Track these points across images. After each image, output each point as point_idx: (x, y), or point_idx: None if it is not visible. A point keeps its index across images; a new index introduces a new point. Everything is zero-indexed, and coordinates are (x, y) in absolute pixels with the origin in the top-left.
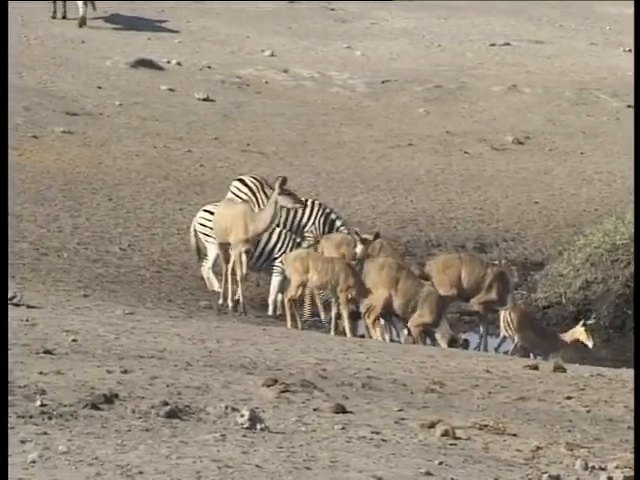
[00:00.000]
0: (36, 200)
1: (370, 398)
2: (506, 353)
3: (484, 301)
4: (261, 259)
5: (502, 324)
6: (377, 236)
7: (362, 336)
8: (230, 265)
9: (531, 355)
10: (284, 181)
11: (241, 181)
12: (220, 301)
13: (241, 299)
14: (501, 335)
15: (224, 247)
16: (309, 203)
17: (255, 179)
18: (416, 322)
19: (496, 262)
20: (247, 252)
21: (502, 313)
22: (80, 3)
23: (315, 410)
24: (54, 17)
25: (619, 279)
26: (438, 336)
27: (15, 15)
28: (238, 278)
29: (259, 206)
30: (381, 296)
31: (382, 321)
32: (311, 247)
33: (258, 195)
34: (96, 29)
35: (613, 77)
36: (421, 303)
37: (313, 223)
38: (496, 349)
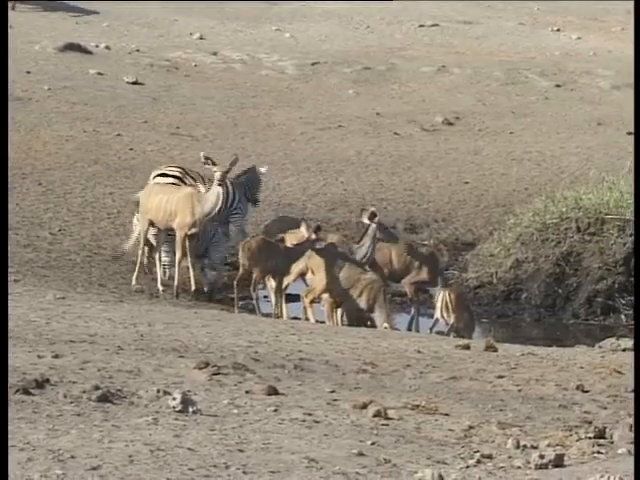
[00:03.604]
0: None
1: (302, 380)
2: (440, 334)
3: (415, 281)
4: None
5: (440, 305)
6: (319, 229)
7: (295, 318)
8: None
9: (451, 335)
10: (234, 161)
11: (162, 175)
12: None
13: (175, 282)
14: (435, 316)
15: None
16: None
17: (175, 168)
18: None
19: (425, 242)
20: (192, 236)
21: (441, 294)
22: None
23: (247, 392)
24: None
25: (549, 258)
26: (377, 317)
27: None
28: (177, 261)
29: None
30: (321, 280)
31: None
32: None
33: (185, 182)
34: (23, 13)
35: (542, 57)
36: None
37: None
38: (430, 329)
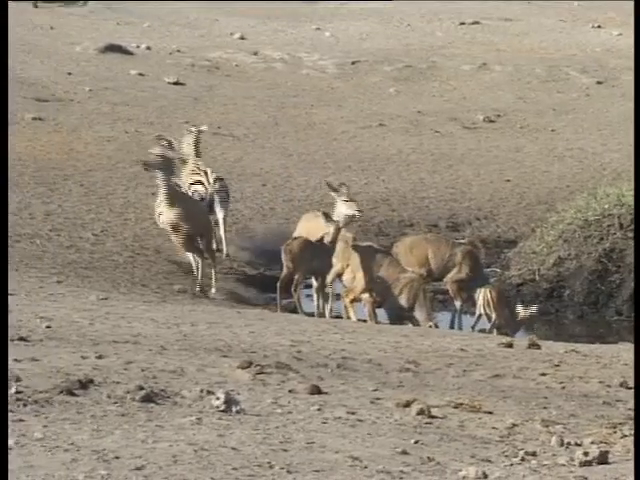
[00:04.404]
0: (9, 188)
1: (345, 379)
2: (482, 331)
3: (456, 279)
4: None
5: (481, 302)
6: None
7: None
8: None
9: (494, 332)
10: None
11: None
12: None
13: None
14: (477, 313)
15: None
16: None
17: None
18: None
19: (463, 241)
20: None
21: (482, 292)
22: None
23: (290, 392)
24: None
25: (592, 255)
26: (418, 316)
27: None
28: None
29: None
30: (361, 279)
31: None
32: None
33: None
34: (65, 15)
35: (582, 54)
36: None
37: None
38: (472, 327)
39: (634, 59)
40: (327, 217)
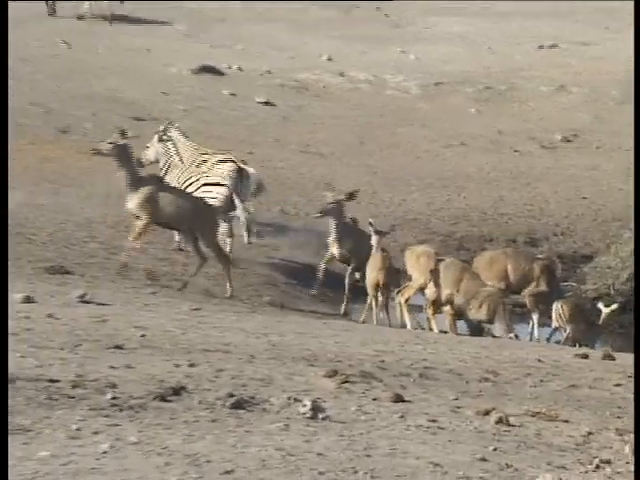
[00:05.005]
0: (106, 202)
1: (427, 387)
2: (557, 343)
3: (534, 293)
4: None
5: (554, 316)
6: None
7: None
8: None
9: (577, 344)
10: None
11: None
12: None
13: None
14: (552, 326)
15: None
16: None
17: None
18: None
19: (541, 256)
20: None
21: (554, 305)
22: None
23: (374, 400)
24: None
25: None
26: (497, 328)
27: (83, 27)
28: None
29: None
30: (443, 293)
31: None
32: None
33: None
34: (160, 37)
35: None
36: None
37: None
38: (547, 339)
39: (634, 61)
40: (373, 227)
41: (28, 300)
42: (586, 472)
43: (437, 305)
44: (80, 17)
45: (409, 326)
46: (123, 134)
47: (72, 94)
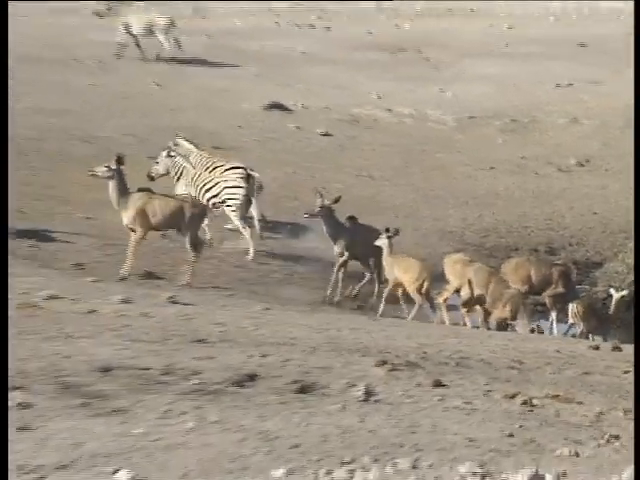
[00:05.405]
0: None
1: (462, 374)
2: (573, 337)
3: (552, 294)
4: None
5: (570, 314)
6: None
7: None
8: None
9: (590, 337)
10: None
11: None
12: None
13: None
14: (568, 323)
15: None
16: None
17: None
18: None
19: (559, 262)
20: None
21: (570, 305)
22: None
23: (418, 385)
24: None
25: None
26: (519, 325)
27: (169, 70)
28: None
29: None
30: (475, 293)
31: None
32: None
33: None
34: (235, 78)
35: None
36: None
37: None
38: (565, 333)
39: (634, 63)
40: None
41: (125, 301)
42: (598, 446)
43: (470, 305)
44: (158, 57)
45: (447, 322)
46: (119, 160)
47: (160, 126)
